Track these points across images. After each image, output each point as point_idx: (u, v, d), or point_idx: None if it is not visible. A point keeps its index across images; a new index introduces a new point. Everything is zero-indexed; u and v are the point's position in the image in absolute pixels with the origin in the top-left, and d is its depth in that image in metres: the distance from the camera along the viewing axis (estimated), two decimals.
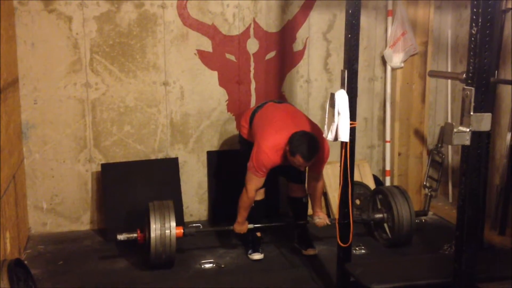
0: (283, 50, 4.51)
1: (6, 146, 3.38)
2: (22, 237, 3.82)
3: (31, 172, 4.15)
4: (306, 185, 3.85)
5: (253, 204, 3.74)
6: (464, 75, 2.38)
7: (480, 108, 2.24)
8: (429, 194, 4.75)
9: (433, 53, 4.74)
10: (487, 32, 2.21)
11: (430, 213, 4.73)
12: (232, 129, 4.49)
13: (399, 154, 4.78)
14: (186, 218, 4.44)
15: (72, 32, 4.07)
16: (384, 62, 4.72)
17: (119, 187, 4.21)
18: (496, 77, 3.93)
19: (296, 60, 4.55)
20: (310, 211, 3.97)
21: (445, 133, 2.32)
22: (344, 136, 2.95)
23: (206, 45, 4.34)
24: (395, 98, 4.70)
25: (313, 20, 4.53)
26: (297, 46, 4.54)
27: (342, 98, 2.94)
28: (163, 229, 3.49)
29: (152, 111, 4.31)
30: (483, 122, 2.24)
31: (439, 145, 4.88)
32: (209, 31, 4.32)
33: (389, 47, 4.57)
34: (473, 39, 2.24)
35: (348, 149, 3.02)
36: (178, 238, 3.56)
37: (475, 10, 2.22)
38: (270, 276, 3.56)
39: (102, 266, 3.70)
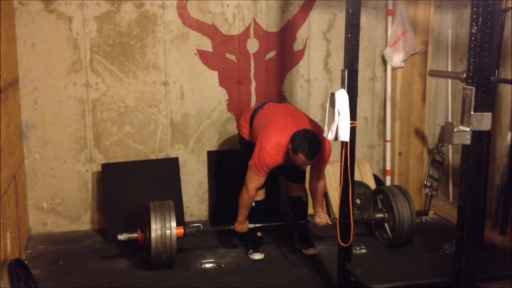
0: (283, 50, 4.51)
1: (7, 146, 3.38)
2: (22, 237, 3.82)
3: (32, 172, 4.15)
4: (307, 184, 3.84)
5: (254, 205, 3.75)
6: (464, 75, 2.37)
7: (480, 107, 2.24)
8: (429, 193, 4.75)
9: (433, 53, 4.74)
10: (487, 31, 2.21)
11: (431, 212, 4.73)
12: (232, 129, 4.49)
13: (400, 154, 4.78)
14: (187, 218, 4.44)
15: (72, 32, 4.07)
16: (384, 61, 4.72)
17: (120, 187, 4.21)
18: (496, 76, 3.92)
19: (296, 59, 4.55)
20: (311, 211, 3.97)
21: (445, 133, 2.32)
22: (345, 136, 2.95)
23: (206, 45, 4.34)
24: (395, 98, 4.70)
25: (313, 20, 4.53)
26: (297, 46, 4.54)
27: (342, 97, 2.93)
28: (163, 229, 3.49)
29: (152, 111, 4.31)
30: (484, 121, 2.24)
31: (440, 144, 4.88)
32: (209, 31, 4.32)
33: (389, 46, 4.57)
34: (473, 38, 2.23)
35: (349, 149, 3.01)
36: (178, 238, 3.56)
37: (475, 9, 2.22)
38: (270, 276, 3.56)
39: (103, 266, 3.70)
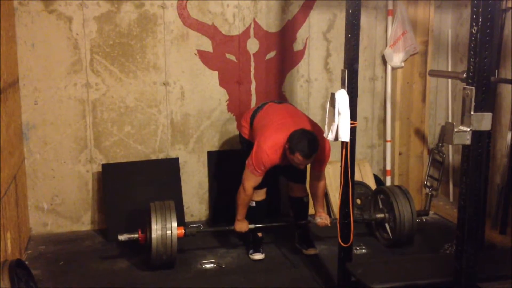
0: (284, 50, 4.51)
1: (7, 146, 3.38)
2: (23, 238, 3.82)
3: (32, 173, 4.15)
4: (307, 184, 3.84)
5: (254, 205, 3.75)
6: (464, 75, 2.38)
7: (480, 107, 2.24)
8: (429, 193, 4.75)
9: (433, 53, 4.74)
10: (487, 31, 2.21)
11: (431, 212, 4.73)
12: (232, 129, 4.49)
13: (400, 154, 4.78)
14: (187, 218, 4.44)
15: (72, 32, 4.07)
16: (384, 61, 4.72)
17: (120, 187, 4.21)
18: (496, 76, 3.92)
19: (296, 60, 4.55)
20: (312, 211, 3.97)
21: (445, 133, 2.32)
22: (345, 136, 2.95)
23: (206, 45, 4.34)
24: (395, 98, 4.70)
25: (313, 20, 4.53)
26: (298, 46, 4.54)
27: (342, 97, 2.93)
28: (164, 229, 3.49)
29: (152, 111, 4.31)
30: (484, 121, 2.24)
31: (440, 144, 4.88)
32: (209, 31, 4.32)
33: (390, 46, 4.57)
34: (473, 38, 2.23)
35: (349, 149, 3.01)
36: (179, 238, 3.56)
37: (475, 9, 2.22)
38: (271, 276, 3.56)
39: (103, 267, 3.70)
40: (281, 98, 4.53)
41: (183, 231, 3.63)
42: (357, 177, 4.53)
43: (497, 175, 4.19)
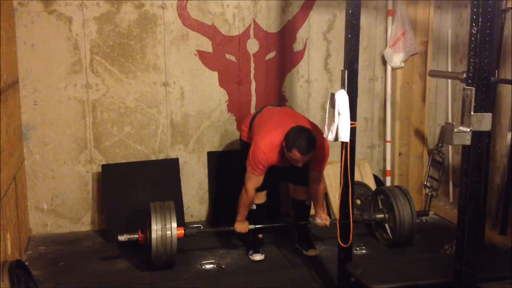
0: (283, 50, 4.51)
1: (7, 147, 3.38)
2: (22, 238, 3.82)
3: (32, 173, 4.15)
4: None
5: (254, 207, 3.76)
6: (464, 75, 2.37)
7: (480, 108, 2.24)
8: (429, 193, 4.76)
9: (433, 53, 4.74)
10: (487, 31, 2.21)
11: (431, 212, 4.73)
12: (232, 129, 4.49)
13: (400, 154, 4.78)
14: (187, 219, 4.44)
15: (72, 33, 4.07)
16: (384, 62, 4.72)
17: (120, 187, 4.21)
18: (496, 76, 3.92)
19: (296, 60, 4.55)
20: (312, 211, 3.97)
21: (445, 133, 2.32)
22: (345, 136, 2.95)
23: (206, 45, 4.34)
24: (395, 98, 4.70)
25: (313, 20, 4.53)
26: (297, 46, 4.54)
27: (342, 98, 2.94)
28: (164, 229, 3.49)
29: (152, 111, 4.31)
30: (484, 122, 2.24)
31: (440, 144, 4.88)
32: (209, 31, 4.32)
33: (389, 47, 4.57)
34: (473, 38, 2.23)
35: (349, 149, 3.01)
36: (179, 239, 3.56)
37: (475, 9, 2.22)
38: (271, 277, 3.56)
39: (103, 267, 3.70)
40: (281, 98, 4.53)
41: (183, 231, 3.63)
42: (357, 178, 4.53)
43: (497, 175, 4.19)
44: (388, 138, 4.78)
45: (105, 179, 4.21)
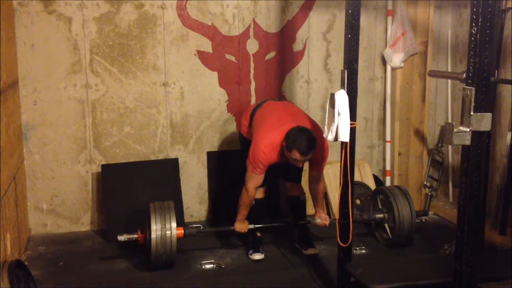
0: (283, 51, 4.51)
1: (6, 147, 3.37)
2: (22, 238, 3.82)
3: (31, 173, 4.15)
4: (306, 185, 3.84)
5: (253, 203, 3.75)
6: (464, 75, 2.37)
7: (480, 108, 2.24)
8: (429, 193, 4.76)
9: (433, 53, 4.74)
10: (487, 31, 2.21)
11: (431, 212, 4.73)
12: (232, 129, 4.49)
13: (399, 154, 4.78)
14: (187, 219, 4.44)
15: (72, 33, 4.07)
16: (384, 62, 4.72)
17: (120, 188, 4.20)
18: (496, 76, 3.92)
19: (296, 60, 4.55)
20: (312, 211, 3.97)
21: (445, 133, 2.32)
22: (344, 136, 2.95)
23: (206, 45, 4.34)
24: (395, 98, 4.70)
25: (313, 20, 4.53)
26: (297, 46, 4.54)
27: (342, 98, 2.94)
28: (163, 229, 3.49)
29: (152, 112, 4.31)
30: (484, 122, 2.24)
31: (440, 144, 4.88)
32: (209, 31, 4.32)
33: (389, 47, 4.57)
34: (473, 38, 2.23)
35: (348, 149, 3.01)
36: (178, 239, 3.56)
37: (475, 9, 2.22)
38: (270, 276, 3.56)
39: (103, 267, 3.70)
40: (281, 99, 4.52)
41: (182, 231, 3.63)
42: (357, 178, 4.52)
43: (497, 175, 4.19)
44: (388, 138, 4.78)
45: (105, 179, 4.21)
